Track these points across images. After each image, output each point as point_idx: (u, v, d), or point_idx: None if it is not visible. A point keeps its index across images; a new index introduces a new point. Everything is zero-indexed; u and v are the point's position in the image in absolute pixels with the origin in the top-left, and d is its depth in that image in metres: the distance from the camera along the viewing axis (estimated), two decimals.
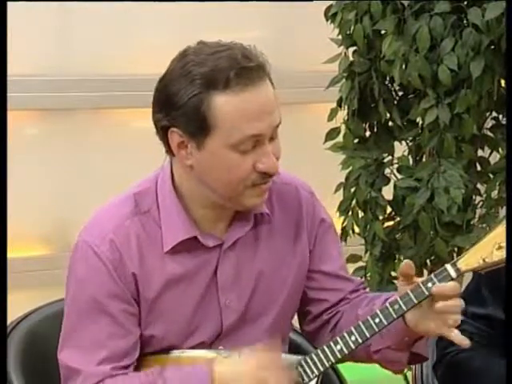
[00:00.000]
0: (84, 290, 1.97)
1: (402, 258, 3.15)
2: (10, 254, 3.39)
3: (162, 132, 1.93)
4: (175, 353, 2.00)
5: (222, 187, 1.94)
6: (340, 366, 2.25)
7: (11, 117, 3.48)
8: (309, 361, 1.96)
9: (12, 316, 2.18)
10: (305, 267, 2.08)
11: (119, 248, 1.96)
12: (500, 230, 1.91)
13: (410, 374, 2.46)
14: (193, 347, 2.00)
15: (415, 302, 1.90)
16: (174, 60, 1.93)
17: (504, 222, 1.92)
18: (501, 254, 1.90)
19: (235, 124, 1.88)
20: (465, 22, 3.00)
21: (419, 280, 1.91)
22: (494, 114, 3.14)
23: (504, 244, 1.90)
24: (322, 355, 1.96)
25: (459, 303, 1.89)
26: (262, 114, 1.89)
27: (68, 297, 2.01)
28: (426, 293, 1.88)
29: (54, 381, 2.01)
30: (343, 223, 3.21)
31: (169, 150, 1.96)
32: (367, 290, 2.18)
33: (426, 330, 1.93)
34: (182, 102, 1.88)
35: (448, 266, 1.91)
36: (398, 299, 1.91)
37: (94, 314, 1.95)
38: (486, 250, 1.91)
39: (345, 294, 2.10)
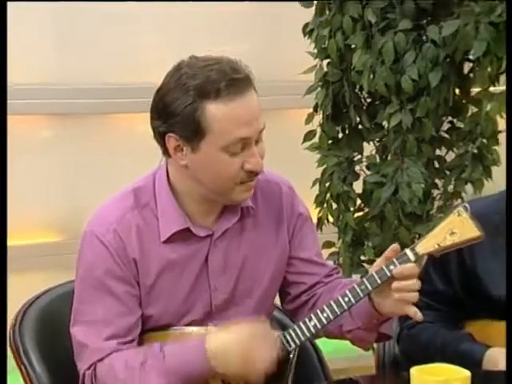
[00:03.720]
0: (91, 273, 1.97)
1: (370, 245, 3.17)
2: (27, 241, 3.45)
3: (160, 137, 1.94)
4: (172, 329, 2.00)
5: (213, 184, 1.95)
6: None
7: (29, 120, 3.54)
8: (287, 335, 1.97)
9: (28, 295, 2.19)
10: (285, 255, 2.09)
11: (121, 237, 1.96)
12: (451, 219, 1.92)
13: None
14: (186, 325, 2.00)
15: (379, 282, 1.91)
16: (169, 72, 1.93)
17: (455, 210, 1.92)
18: (452, 239, 1.91)
19: (226, 129, 1.88)
20: (424, 37, 3.01)
21: (383, 264, 1.91)
22: (450, 118, 3.15)
23: (456, 230, 1.90)
24: (298, 330, 1.97)
25: (417, 282, 1.89)
26: (249, 120, 1.90)
27: (77, 279, 2.01)
28: (388, 274, 1.89)
29: (67, 353, 2.00)
30: (319, 214, 3.22)
31: (165, 152, 1.96)
32: (340, 274, 2.18)
33: (391, 311, 1.94)
34: (179, 111, 1.88)
35: (407, 251, 1.92)
36: (365, 280, 1.92)
37: (100, 294, 1.95)
38: (440, 236, 1.92)
39: (320, 278, 2.11)
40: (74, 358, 1.99)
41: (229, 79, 1.87)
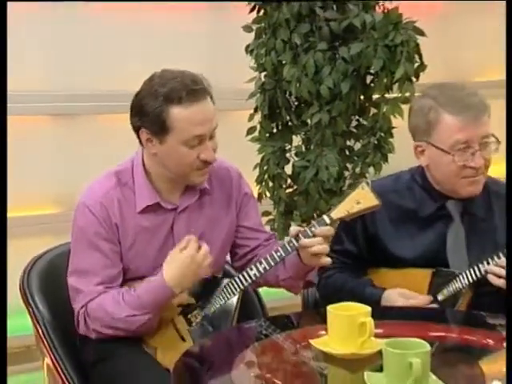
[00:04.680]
0: (83, 235, 1.97)
1: (297, 214, 3.17)
2: (35, 212, 3.43)
3: (135, 130, 1.95)
4: (146, 280, 1.98)
5: (176, 169, 1.95)
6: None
7: (33, 120, 3.49)
8: (233, 281, 1.98)
9: (34, 254, 2.19)
10: (233, 225, 2.10)
11: (106, 207, 1.96)
12: (357, 192, 1.93)
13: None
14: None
15: (303, 241, 1.92)
16: (145, 81, 1.94)
17: (360, 185, 1.93)
18: (358, 207, 1.92)
19: (185, 128, 1.89)
20: (337, 56, 3.02)
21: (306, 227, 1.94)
22: (357, 117, 3.15)
23: (361, 200, 1.91)
24: (242, 278, 1.98)
25: (327, 238, 1.93)
26: (204, 121, 1.90)
27: (72, 240, 2.01)
28: (310, 234, 1.92)
29: (64, 297, 2.00)
30: (259, 190, 3.22)
31: (140, 143, 1.97)
32: (276, 239, 2.19)
33: (313, 262, 1.97)
34: (150, 111, 1.89)
35: (324, 216, 1.94)
36: (292, 239, 1.94)
37: (90, 251, 1.96)
38: (349, 205, 1.93)
39: (261, 242, 2.13)
40: (71, 302, 1.98)
41: (189, 89, 1.88)
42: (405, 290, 2.02)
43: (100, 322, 1.93)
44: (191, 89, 1.88)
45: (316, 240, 1.92)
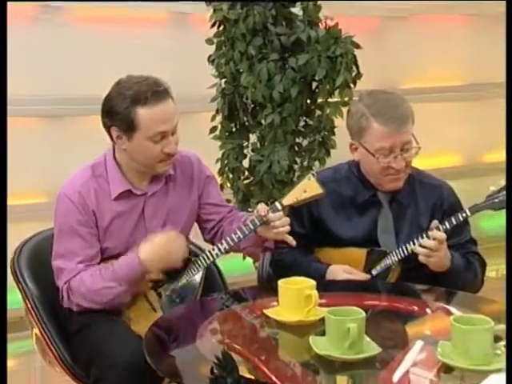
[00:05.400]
0: (64, 221, 1.95)
1: (254, 201, 3.14)
2: (25, 201, 3.37)
3: (106, 128, 1.93)
4: (121, 257, 1.96)
5: (143, 162, 1.95)
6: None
7: (22, 121, 3.43)
8: (197, 260, 1.98)
9: (23, 237, 2.16)
10: (195, 205, 2.09)
11: (84, 196, 1.94)
12: (304, 182, 1.94)
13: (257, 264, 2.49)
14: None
15: (258, 223, 1.94)
16: (113, 85, 1.92)
17: (307, 176, 1.95)
18: (305, 195, 1.93)
19: (151, 125, 1.87)
20: (287, 66, 3.01)
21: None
22: (304, 118, 3.15)
23: (307, 189, 1.92)
24: (205, 256, 1.99)
25: (286, 221, 1.94)
26: (166, 119, 1.89)
27: (55, 225, 1.99)
28: (265, 219, 1.93)
29: (50, 275, 1.98)
30: (220, 181, 3.17)
31: (111, 139, 1.95)
32: (237, 211, 2.19)
33: (270, 236, 1.98)
34: (119, 112, 1.87)
35: (276, 203, 1.95)
36: (254, 218, 1.94)
37: (71, 235, 1.94)
38: (297, 193, 1.94)
39: (224, 215, 2.12)
40: (55, 280, 1.96)
41: (153, 91, 1.86)
42: (347, 266, 2.04)
43: (81, 296, 1.91)
44: (155, 90, 1.86)
45: (280, 222, 1.93)
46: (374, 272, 2.05)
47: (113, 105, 1.89)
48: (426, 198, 2.08)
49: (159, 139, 1.89)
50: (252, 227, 1.94)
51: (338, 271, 2.04)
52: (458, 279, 1.98)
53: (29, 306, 2.00)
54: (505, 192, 1.89)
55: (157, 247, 1.89)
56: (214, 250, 1.98)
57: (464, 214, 1.94)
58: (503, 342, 1.43)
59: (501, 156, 4.97)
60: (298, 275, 1.74)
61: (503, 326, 1.44)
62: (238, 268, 2.18)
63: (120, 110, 1.87)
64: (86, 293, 1.90)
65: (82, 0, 3.50)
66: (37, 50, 3.48)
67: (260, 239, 2.01)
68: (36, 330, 2.01)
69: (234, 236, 1.96)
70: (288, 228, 1.94)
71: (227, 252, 2.03)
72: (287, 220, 1.94)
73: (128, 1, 3.57)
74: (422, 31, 4.42)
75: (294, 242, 1.96)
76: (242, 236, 1.95)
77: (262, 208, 1.95)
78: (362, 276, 2.03)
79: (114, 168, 1.98)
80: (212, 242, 2.12)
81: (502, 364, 1.39)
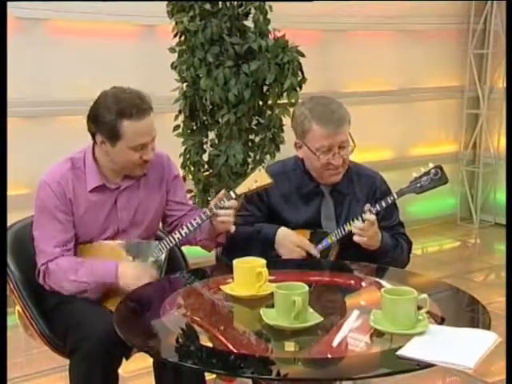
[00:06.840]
0: (43, 207, 1.92)
1: (213, 191, 3.16)
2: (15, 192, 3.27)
3: (91, 134, 1.91)
4: (94, 242, 1.97)
5: (122, 165, 1.94)
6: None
7: (16, 121, 3.34)
8: (162, 243, 1.97)
9: (10, 222, 2.09)
10: (163, 200, 2.07)
11: (62, 185, 1.92)
12: (256, 173, 1.93)
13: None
14: (103, 239, 1.97)
15: (215, 211, 1.93)
16: (101, 95, 1.89)
17: (257, 168, 1.94)
18: (256, 185, 1.92)
19: (133, 137, 1.86)
20: (240, 71, 3.00)
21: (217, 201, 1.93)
22: (257, 117, 3.15)
23: (258, 180, 1.90)
24: (169, 240, 1.97)
25: (230, 213, 1.93)
26: (147, 133, 1.89)
27: (35, 212, 1.96)
28: (221, 206, 1.92)
29: (31, 258, 1.95)
30: (183, 174, 3.16)
31: (94, 140, 1.92)
32: (197, 211, 2.15)
33: (221, 228, 1.97)
34: (105, 122, 1.85)
35: (231, 192, 1.94)
36: (207, 210, 1.94)
37: (49, 219, 1.91)
38: (249, 183, 1.93)
39: (185, 212, 2.11)
40: (36, 259, 1.93)
41: (138, 108, 1.84)
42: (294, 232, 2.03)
43: (54, 280, 1.90)
44: (140, 108, 1.85)
45: (224, 212, 1.93)
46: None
47: (99, 114, 1.86)
48: (362, 187, 2.11)
49: (139, 149, 1.89)
50: (209, 213, 1.94)
51: (291, 234, 2.01)
52: (388, 257, 2.01)
53: (11, 286, 1.97)
54: (426, 177, 1.94)
55: (134, 276, 1.85)
56: (175, 234, 1.97)
57: (392, 198, 1.97)
58: (424, 310, 1.46)
59: (424, 150, 5.14)
60: (253, 249, 1.72)
61: (425, 295, 1.47)
62: (199, 250, 2.17)
63: (106, 120, 1.85)
64: (60, 279, 1.89)
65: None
66: (18, 59, 3.38)
67: (214, 233, 2.00)
68: (18, 307, 1.99)
69: (193, 222, 1.96)
70: (232, 218, 1.92)
71: (184, 241, 2.02)
72: (231, 212, 1.93)
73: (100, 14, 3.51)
74: (359, 43, 4.48)
75: (233, 228, 1.93)
76: (200, 222, 1.95)
77: (221, 193, 1.97)
78: (310, 246, 2.02)
79: (91, 164, 1.95)
80: (170, 233, 2.08)
81: (424, 328, 1.43)
